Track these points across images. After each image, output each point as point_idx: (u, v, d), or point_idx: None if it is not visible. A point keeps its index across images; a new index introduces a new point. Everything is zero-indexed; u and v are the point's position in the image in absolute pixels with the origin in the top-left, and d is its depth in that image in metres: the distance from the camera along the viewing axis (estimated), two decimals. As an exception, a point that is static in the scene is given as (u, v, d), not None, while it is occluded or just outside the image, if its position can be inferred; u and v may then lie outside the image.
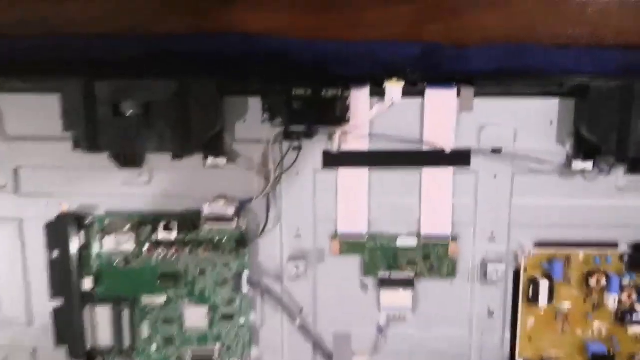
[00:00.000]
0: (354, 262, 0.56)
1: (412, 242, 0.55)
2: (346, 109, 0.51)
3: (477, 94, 0.53)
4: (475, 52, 0.55)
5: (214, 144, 0.53)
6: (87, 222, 0.56)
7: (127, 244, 0.56)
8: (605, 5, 0.54)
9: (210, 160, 0.53)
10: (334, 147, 0.54)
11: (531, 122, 0.54)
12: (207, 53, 0.55)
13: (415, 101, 0.53)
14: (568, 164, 0.54)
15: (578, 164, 0.53)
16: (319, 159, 0.55)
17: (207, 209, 0.54)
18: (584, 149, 0.53)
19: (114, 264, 0.57)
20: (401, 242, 0.56)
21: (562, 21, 0.54)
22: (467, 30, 0.55)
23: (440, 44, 0.54)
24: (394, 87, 0.52)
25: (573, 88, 0.52)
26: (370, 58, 0.54)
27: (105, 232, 0.56)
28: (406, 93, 0.53)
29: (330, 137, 0.54)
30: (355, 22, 0.55)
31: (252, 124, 0.54)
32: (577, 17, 0.54)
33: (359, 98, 0.52)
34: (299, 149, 0.54)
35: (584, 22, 0.54)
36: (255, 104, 0.53)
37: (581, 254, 0.56)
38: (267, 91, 0.52)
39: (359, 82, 0.53)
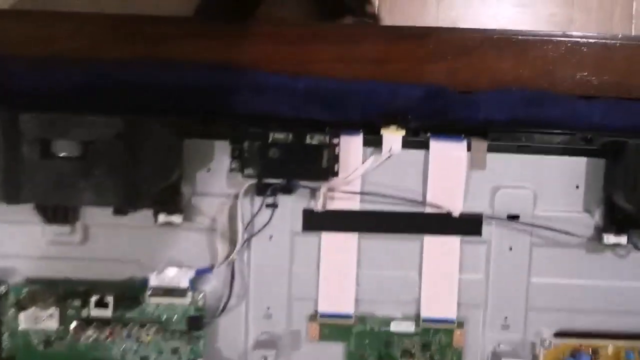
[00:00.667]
0: (336, 351, 0.47)
1: (409, 327, 0.47)
2: (334, 159, 0.43)
3: (491, 148, 0.45)
4: (485, 98, 0.46)
5: (167, 198, 0.44)
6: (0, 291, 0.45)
7: (50, 320, 0.46)
8: (634, 50, 0.47)
9: (163, 217, 0.45)
10: (318, 206, 0.45)
11: (554, 184, 0.46)
12: (165, 86, 0.45)
13: (417, 154, 0.46)
14: (597, 236, 0.46)
15: (609, 238, 0.45)
16: (298, 219, 0.46)
17: (154, 279, 0.45)
18: (616, 219, 0.45)
19: (32, 346, 0.46)
20: (396, 327, 0.47)
21: (585, 68, 0.47)
22: (475, 72, 0.47)
23: (445, 87, 0.47)
24: (392, 136, 0.44)
25: (604, 145, 0.44)
26: (363, 99, 0.46)
27: (22, 304, 0.46)
28: (407, 144, 0.45)
29: (314, 193, 0.45)
30: (347, 56, 0.46)
31: (217, 174, 0.46)
32: (603, 63, 0.47)
33: (350, 147, 0.45)
34: (274, 206, 0.45)
35: (611, 69, 0.47)
36: (222, 149, 0.45)
37: (610, 346, 0.47)
38: (238, 134, 0.43)
39: (350, 128, 0.45)
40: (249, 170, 0.43)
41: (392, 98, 0.47)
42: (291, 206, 0.46)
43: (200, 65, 0.46)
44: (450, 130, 0.45)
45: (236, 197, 0.45)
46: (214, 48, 0.46)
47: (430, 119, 0.47)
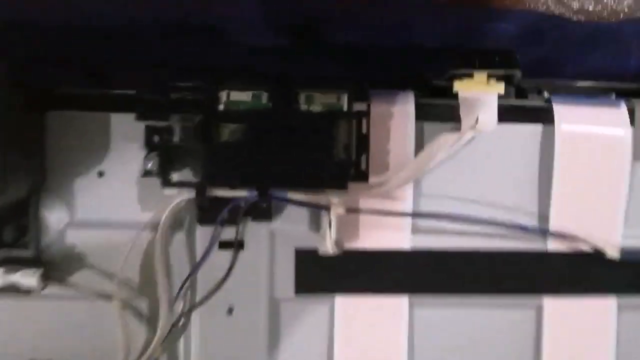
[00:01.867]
0: None
1: None
2: (361, 145, 0.23)
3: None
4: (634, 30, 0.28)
5: (9, 235, 0.24)
6: None
7: None
8: None
9: (3, 278, 0.24)
10: (327, 244, 0.24)
11: None
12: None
13: (526, 132, 0.25)
14: None
15: None
16: (286, 271, 0.25)
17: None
18: None
19: None
20: None
21: None
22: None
23: (557, 15, 0.28)
24: (479, 95, 0.23)
25: None
26: (402, 45, 0.26)
27: None
28: (506, 113, 0.24)
29: (317, 217, 0.25)
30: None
31: (116, 183, 0.25)
32: None
33: (392, 120, 0.24)
34: (237, 246, 0.25)
35: None
36: (126, 131, 0.25)
37: None
38: (154, 96, 0.21)
39: (389, 83, 0.25)
40: (178, 173, 0.23)
41: (460, 40, 0.26)
42: (270, 245, 0.26)
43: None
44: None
45: (156, 230, 0.24)
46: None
47: (534, 74, 0.26)
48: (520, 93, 0.26)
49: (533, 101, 0.26)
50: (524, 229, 0.25)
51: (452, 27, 0.28)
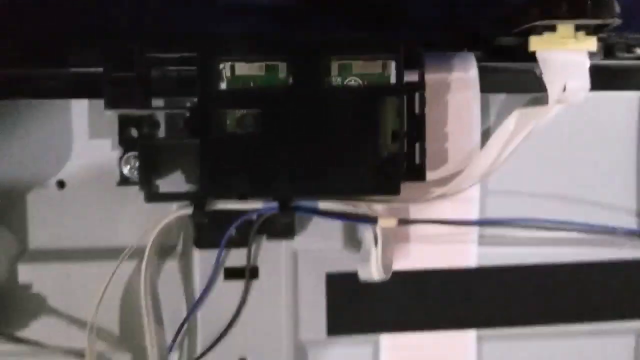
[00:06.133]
0: None
1: None
2: (414, 130, 0.17)
3: None
4: None
5: None
6: None
7: None
8: None
9: None
10: (373, 268, 0.18)
11: None
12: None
13: (617, 100, 0.20)
14: None
15: None
16: (318, 305, 0.20)
17: None
18: None
19: None
20: None
21: None
22: None
23: None
24: (564, 53, 0.17)
25: None
26: None
27: None
28: (601, 75, 0.19)
29: (352, 231, 0.20)
30: None
31: (82, 194, 0.19)
32: None
33: (449, 93, 0.19)
34: (251, 275, 0.19)
35: None
36: (92, 120, 0.19)
37: None
38: (121, 70, 0.17)
39: (431, 45, 0.20)
40: (166, 180, 0.18)
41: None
42: (293, 270, 0.20)
43: None
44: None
45: (141, 257, 0.18)
46: None
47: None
48: (607, 51, 0.22)
49: (629, 61, 0.20)
50: (624, 232, 0.19)
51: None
